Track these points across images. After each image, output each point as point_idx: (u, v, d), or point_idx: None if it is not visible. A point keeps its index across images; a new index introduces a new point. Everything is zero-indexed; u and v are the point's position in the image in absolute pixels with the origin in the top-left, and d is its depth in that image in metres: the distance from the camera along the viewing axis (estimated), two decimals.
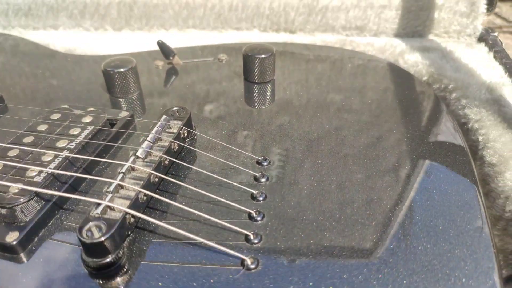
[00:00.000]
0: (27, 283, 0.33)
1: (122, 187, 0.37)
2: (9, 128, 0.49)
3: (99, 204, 0.35)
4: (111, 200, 0.35)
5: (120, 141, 0.48)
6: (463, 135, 0.50)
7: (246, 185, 0.41)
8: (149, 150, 0.41)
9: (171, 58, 0.65)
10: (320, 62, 0.64)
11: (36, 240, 0.37)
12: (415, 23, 0.73)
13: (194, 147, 0.46)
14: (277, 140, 0.47)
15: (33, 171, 0.40)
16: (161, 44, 0.64)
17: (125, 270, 0.34)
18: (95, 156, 0.44)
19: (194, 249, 0.35)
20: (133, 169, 0.39)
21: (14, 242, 0.35)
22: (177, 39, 0.79)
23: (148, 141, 0.42)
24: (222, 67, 0.64)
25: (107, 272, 0.33)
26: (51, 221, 0.38)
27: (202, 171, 0.42)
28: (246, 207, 0.38)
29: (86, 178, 0.42)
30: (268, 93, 0.58)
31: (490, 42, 0.71)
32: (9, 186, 0.38)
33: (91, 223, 0.33)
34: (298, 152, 0.45)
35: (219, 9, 0.78)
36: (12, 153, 0.42)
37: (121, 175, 0.38)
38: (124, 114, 0.50)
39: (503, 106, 0.53)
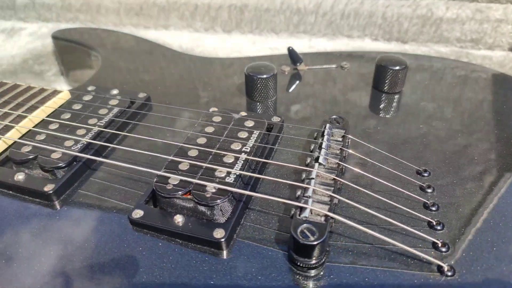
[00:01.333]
0: (229, 278, 0.36)
1: (314, 192, 0.40)
2: (166, 127, 0.52)
3: (302, 208, 0.37)
4: (312, 205, 0.38)
5: (277, 145, 0.50)
6: None
7: (415, 194, 0.43)
8: (326, 157, 0.44)
9: (298, 64, 0.67)
10: (447, 74, 0.65)
11: (234, 237, 0.39)
12: None
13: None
14: (431, 151, 0.49)
15: (221, 172, 0.43)
16: (291, 51, 0.66)
17: (328, 271, 0.36)
18: (264, 159, 0.46)
19: (388, 254, 0.37)
20: (317, 175, 0.42)
21: (222, 240, 0.38)
22: (287, 44, 0.81)
23: (324, 148, 0.44)
24: (348, 75, 0.66)
25: (310, 272, 0.36)
26: (242, 220, 0.41)
27: (374, 177, 0.44)
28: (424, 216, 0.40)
29: (259, 178, 0.45)
30: (402, 104, 0.59)
31: None
32: (205, 186, 0.41)
33: (303, 226, 0.36)
34: (458, 163, 0.47)
35: (331, 16, 0.80)
36: (192, 153, 0.45)
37: (312, 180, 0.40)
38: (276, 119, 0.53)
39: None
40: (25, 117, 0.53)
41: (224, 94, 0.62)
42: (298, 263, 0.36)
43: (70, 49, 0.85)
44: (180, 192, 0.40)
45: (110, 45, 0.79)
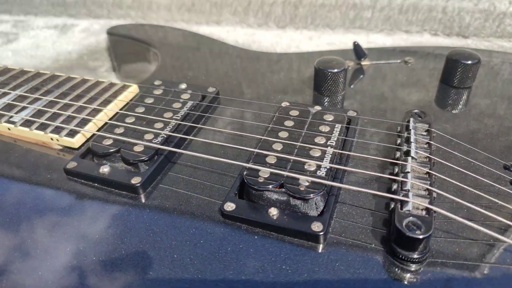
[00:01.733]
0: (333, 272, 0.35)
1: (411, 186, 0.39)
2: (240, 120, 0.52)
3: (402, 202, 0.37)
4: (412, 198, 0.37)
5: (356, 139, 0.50)
6: None
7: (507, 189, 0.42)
8: (417, 151, 0.43)
9: (362, 59, 0.66)
10: None
11: (329, 230, 0.39)
12: None
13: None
14: None
15: (310, 165, 0.42)
16: (356, 46, 0.65)
17: (432, 265, 0.35)
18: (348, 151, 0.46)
19: (491, 249, 0.37)
20: (412, 169, 0.41)
21: (321, 233, 0.37)
22: (343, 39, 0.80)
23: (413, 142, 0.44)
24: (413, 69, 0.65)
25: (411, 266, 0.35)
26: (334, 214, 0.41)
27: (465, 171, 0.43)
28: None
29: (345, 172, 0.45)
30: (475, 98, 0.58)
31: None
32: (298, 179, 0.40)
33: (409, 219, 0.35)
34: None
35: (389, 11, 0.79)
36: (276, 147, 0.45)
37: (409, 174, 0.40)
38: (352, 113, 0.52)
39: None
40: (100, 110, 0.54)
41: (290, 88, 0.62)
42: (401, 257, 0.35)
43: (124, 45, 0.85)
44: (271, 185, 0.40)
45: (168, 40, 0.79)
